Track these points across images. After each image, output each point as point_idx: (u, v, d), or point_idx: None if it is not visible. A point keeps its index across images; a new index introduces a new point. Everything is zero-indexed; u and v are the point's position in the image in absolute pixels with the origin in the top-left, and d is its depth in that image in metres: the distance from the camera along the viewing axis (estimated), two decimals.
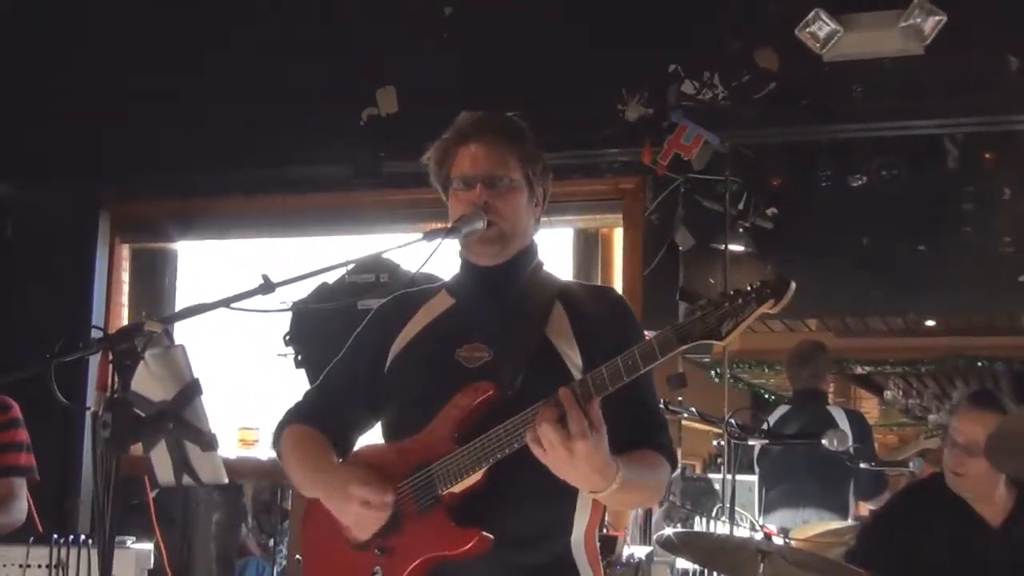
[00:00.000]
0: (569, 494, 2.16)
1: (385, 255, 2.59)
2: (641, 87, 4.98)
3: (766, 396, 9.28)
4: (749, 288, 1.96)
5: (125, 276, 5.90)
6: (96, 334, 2.06)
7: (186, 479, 3.64)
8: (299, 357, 4.40)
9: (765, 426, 4.39)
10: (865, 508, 5.25)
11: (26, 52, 5.71)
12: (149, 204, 5.76)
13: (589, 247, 5.37)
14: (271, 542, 6.11)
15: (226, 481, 3.78)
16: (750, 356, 7.86)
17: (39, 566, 3.78)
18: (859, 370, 8.27)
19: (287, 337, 4.42)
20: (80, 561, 3.74)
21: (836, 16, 4.53)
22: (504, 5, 5.13)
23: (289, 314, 4.36)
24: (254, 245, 5.81)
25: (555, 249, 5.21)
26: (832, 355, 5.74)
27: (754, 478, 5.39)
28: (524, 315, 2.29)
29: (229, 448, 5.36)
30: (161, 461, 3.66)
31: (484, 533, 2.12)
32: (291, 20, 5.41)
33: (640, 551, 4.55)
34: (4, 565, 3.80)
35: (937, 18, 4.44)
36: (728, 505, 4.26)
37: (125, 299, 5.90)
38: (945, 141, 4.77)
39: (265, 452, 5.40)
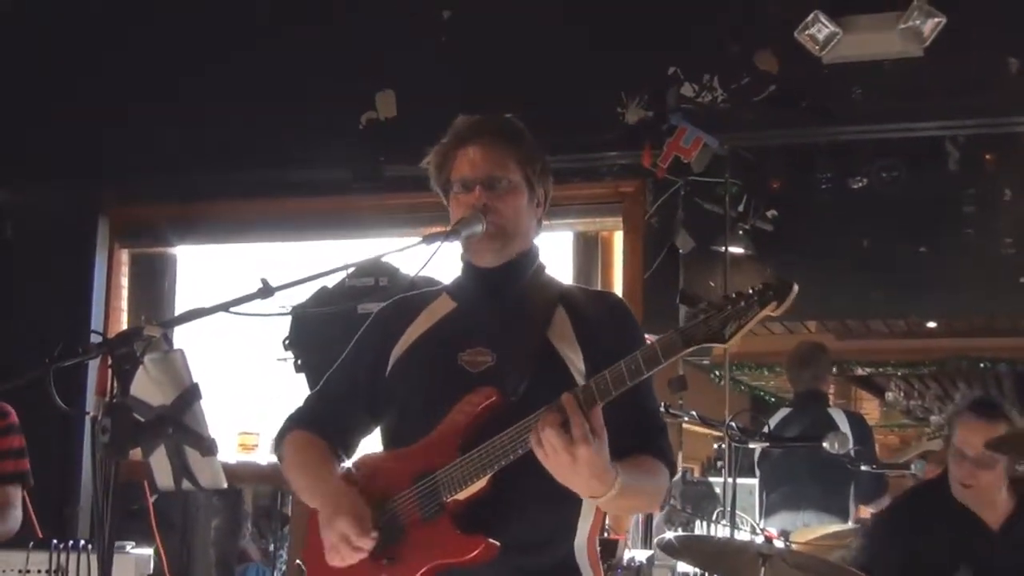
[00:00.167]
0: (573, 499, 2.15)
1: (385, 259, 2.58)
2: (641, 90, 4.97)
3: (766, 398, 9.27)
4: (751, 291, 1.96)
5: (124, 281, 5.89)
6: (95, 339, 2.05)
7: (186, 484, 3.64)
8: (299, 361, 4.38)
9: (766, 429, 4.38)
10: (866, 511, 5.23)
11: (25, 54, 5.70)
12: (148, 208, 5.75)
13: (589, 250, 5.36)
14: (271, 547, 6.09)
15: (225, 486, 3.77)
16: (750, 358, 7.85)
17: (39, 572, 3.76)
18: (860, 372, 8.26)
19: (286, 341, 4.41)
20: (80, 566, 3.72)
21: (835, 18, 4.52)
22: (503, 8, 5.12)
23: (288, 318, 4.35)
24: (253, 249, 5.80)
25: (555, 253, 5.20)
26: (833, 357, 5.74)
27: (755, 481, 5.37)
28: (526, 318, 2.29)
29: (229, 453, 5.35)
30: (160, 466, 3.66)
31: (490, 540, 2.11)
32: (290, 24, 5.40)
33: (641, 555, 4.53)
34: (4, 571, 3.78)
35: (936, 20, 4.44)
36: (729, 509, 4.24)
37: (124, 304, 5.89)
38: (946, 143, 4.76)
39: (265, 457, 5.39)
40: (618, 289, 5.11)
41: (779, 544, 3.77)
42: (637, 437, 2.22)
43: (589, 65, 4.99)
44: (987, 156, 4.75)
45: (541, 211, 2.42)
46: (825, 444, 4.09)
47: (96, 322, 5.61)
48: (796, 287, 1.93)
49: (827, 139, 4.87)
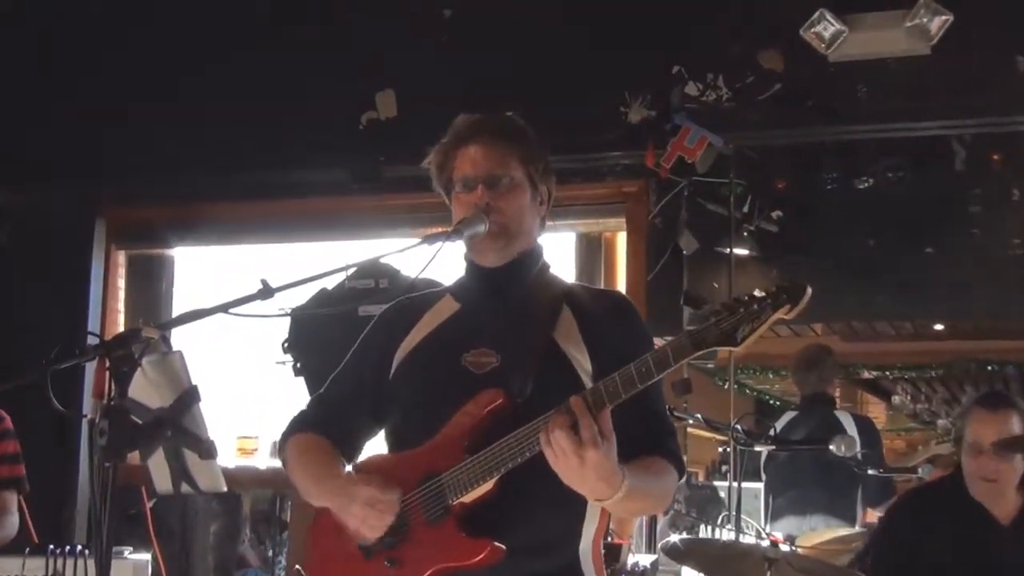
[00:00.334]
0: (579, 502, 2.15)
1: (385, 260, 2.57)
2: (644, 89, 4.92)
3: (771, 402, 9.27)
4: (764, 293, 1.95)
5: (121, 282, 5.86)
6: (92, 340, 2.06)
7: (184, 487, 3.63)
8: (298, 365, 4.37)
9: (771, 432, 4.36)
10: (873, 515, 5.20)
11: (24, 54, 5.67)
12: (146, 209, 5.72)
13: (592, 251, 5.32)
14: (270, 553, 6.06)
15: (225, 490, 3.77)
16: (755, 361, 7.85)
17: None
18: (866, 375, 8.25)
19: (286, 344, 4.39)
20: (77, 572, 3.73)
21: (841, 16, 4.47)
22: (504, 7, 5.08)
23: (288, 321, 4.33)
24: (252, 251, 5.76)
25: (557, 253, 5.16)
26: (839, 359, 5.71)
27: (760, 485, 5.36)
28: (531, 318, 2.28)
29: (227, 457, 5.31)
30: (159, 469, 3.65)
31: (496, 544, 2.11)
32: (290, 24, 5.36)
33: (644, 559, 4.51)
34: None
35: (943, 17, 4.40)
36: (734, 513, 4.22)
37: (121, 305, 5.85)
38: (952, 142, 4.71)
39: (264, 461, 5.36)
40: (621, 290, 5.04)
41: (785, 548, 3.75)
42: (646, 440, 2.21)
43: (591, 64, 4.94)
44: (994, 156, 4.70)
45: (544, 209, 2.41)
46: (832, 447, 4.08)
47: (93, 324, 5.57)
48: (810, 290, 1.93)
49: (832, 138, 4.82)
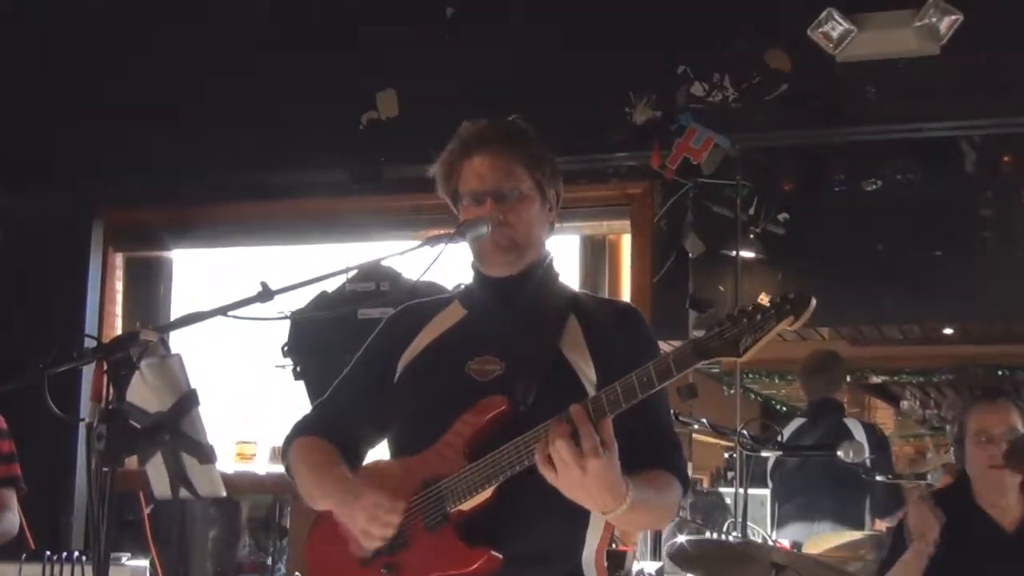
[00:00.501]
0: (581, 511, 2.12)
1: (385, 262, 2.54)
2: (649, 89, 4.88)
3: (777, 407, 9.26)
4: (768, 304, 1.94)
5: (119, 285, 5.84)
6: (90, 344, 2.06)
7: (183, 492, 3.62)
8: (298, 368, 4.35)
9: (779, 438, 4.33)
10: (881, 525, 5.15)
11: (22, 55, 5.64)
12: (143, 211, 5.69)
13: (596, 254, 5.30)
14: (269, 559, 6.03)
15: (224, 495, 3.75)
16: (761, 366, 7.85)
17: None
18: (874, 379, 8.24)
19: (285, 348, 4.37)
20: None
21: (849, 16, 4.43)
22: (507, 6, 5.05)
23: (287, 325, 4.31)
24: (250, 253, 5.73)
25: (562, 256, 5.11)
26: (846, 364, 5.68)
27: (766, 492, 5.33)
28: (537, 327, 2.27)
29: (226, 463, 5.27)
30: (157, 474, 3.64)
31: (492, 552, 2.10)
32: (290, 23, 5.33)
33: (649, 567, 4.48)
34: None
35: (953, 17, 4.36)
36: (740, 519, 4.18)
37: (119, 308, 5.84)
38: (962, 144, 4.68)
39: (263, 467, 5.32)
40: (626, 293, 5.06)
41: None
42: (650, 453, 2.19)
43: (595, 64, 4.90)
44: (1005, 157, 4.67)
45: (553, 214, 2.41)
46: (840, 453, 4.05)
47: (91, 327, 5.55)
48: (814, 301, 1.91)
49: (840, 140, 4.79)
